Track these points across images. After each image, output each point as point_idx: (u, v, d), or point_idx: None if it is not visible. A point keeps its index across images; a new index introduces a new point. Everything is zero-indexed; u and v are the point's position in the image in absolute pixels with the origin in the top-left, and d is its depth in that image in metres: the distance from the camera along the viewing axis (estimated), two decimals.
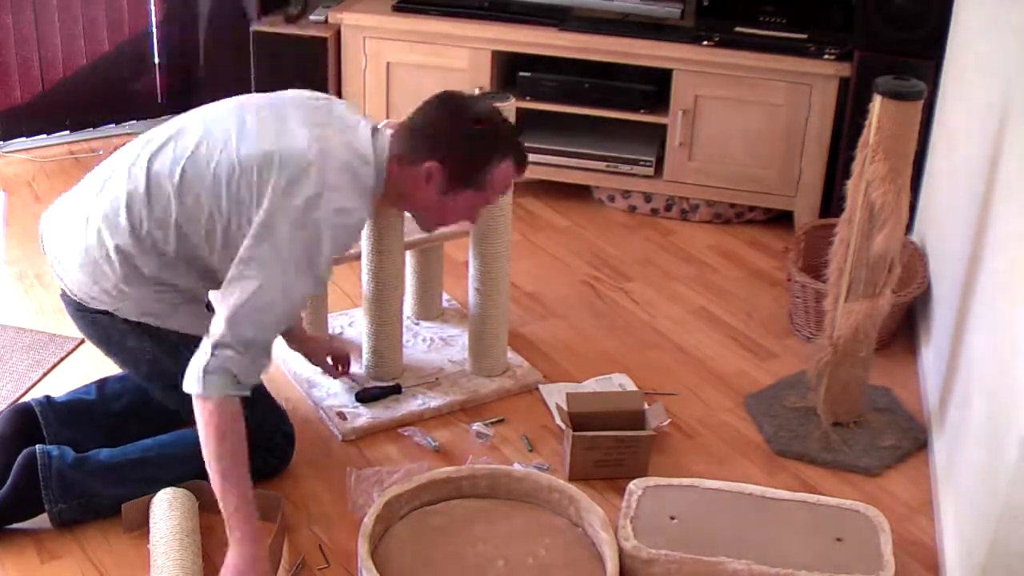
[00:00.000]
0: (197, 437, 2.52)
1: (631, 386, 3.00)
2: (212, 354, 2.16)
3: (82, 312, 2.43)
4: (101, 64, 4.30)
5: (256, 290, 2.19)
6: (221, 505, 2.21)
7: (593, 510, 2.36)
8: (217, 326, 2.18)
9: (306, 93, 2.50)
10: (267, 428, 2.57)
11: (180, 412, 2.54)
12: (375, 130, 2.44)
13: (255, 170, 2.27)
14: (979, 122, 2.81)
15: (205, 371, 2.15)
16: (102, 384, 2.67)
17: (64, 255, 2.42)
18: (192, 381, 2.18)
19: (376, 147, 2.39)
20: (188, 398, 2.28)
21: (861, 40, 3.57)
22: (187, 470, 2.46)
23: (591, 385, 2.99)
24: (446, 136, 2.41)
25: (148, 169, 2.34)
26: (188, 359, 2.22)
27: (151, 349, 2.43)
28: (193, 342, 2.25)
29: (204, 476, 2.47)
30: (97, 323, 2.43)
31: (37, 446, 2.41)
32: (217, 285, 2.31)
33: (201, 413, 2.19)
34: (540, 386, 2.97)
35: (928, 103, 3.35)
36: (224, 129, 2.35)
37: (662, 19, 3.89)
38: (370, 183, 2.36)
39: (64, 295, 2.46)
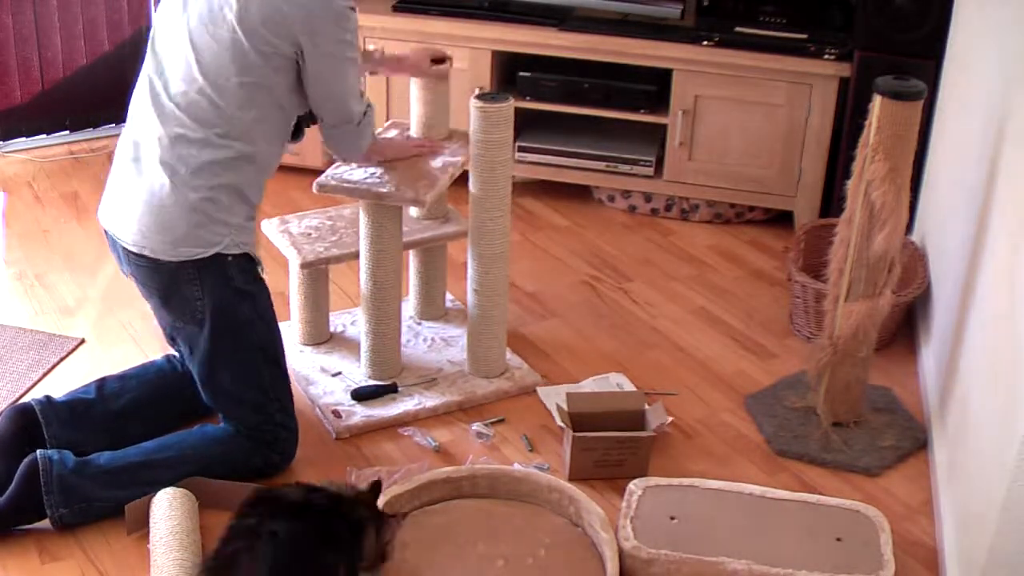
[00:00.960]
0: (196, 438, 2.56)
1: (628, 386, 3.00)
2: (363, 121, 2.66)
3: (157, 266, 2.47)
4: (101, 64, 4.30)
5: (342, 77, 2.55)
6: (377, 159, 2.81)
7: (593, 510, 2.37)
8: (348, 113, 2.61)
9: None
10: (272, 424, 2.57)
11: (201, 387, 2.58)
12: None
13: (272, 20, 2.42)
14: (979, 122, 2.81)
15: (370, 137, 2.74)
16: (101, 383, 2.67)
17: (134, 213, 2.45)
18: (352, 154, 2.76)
19: None
20: (228, 359, 2.48)
21: (861, 40, 3.57)
22: (187, 472, 2.47)
23: (588, 385, 2.99)
24: None
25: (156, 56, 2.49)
26: (241, 305, 2.50)
27: (215, 295, 2.48)
28: (253, 289, 2.53)
29: (203, 476, 2.49)
30: (168, 272, 2.47)
31: (38, 452, 2.42)
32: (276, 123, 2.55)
33: (366, 157, 2.78)
34: (538, 388, 2.97)
35: (928, 103, 3.35)
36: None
37: (662, 19, 3.89)
38: None
39: (138, 265, 2.49)
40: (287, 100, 2.52)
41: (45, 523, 2.42)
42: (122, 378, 2.70)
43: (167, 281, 2.48)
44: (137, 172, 2.48)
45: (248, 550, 2.06)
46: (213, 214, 2.45)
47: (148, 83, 2.50)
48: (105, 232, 2.56)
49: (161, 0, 2.55)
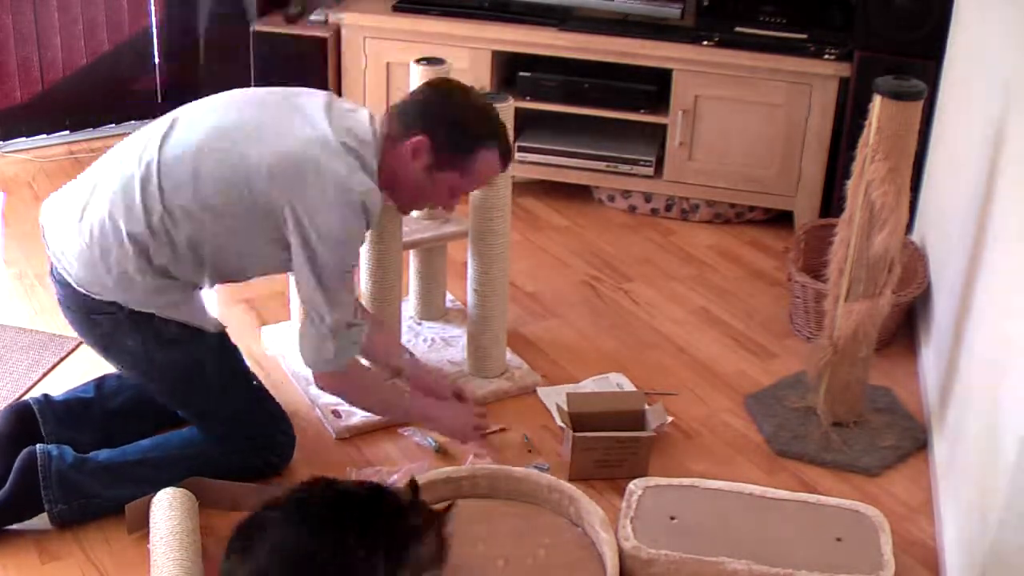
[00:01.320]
0: (195, 436, 2.55)
1: (628, 385, 2.99)
2: (336, 337, 2.37)
3: (84, 311, 2.42)
4: (101, 64, 4.30)
5: (332, 274, 2.33)
6: (400, 419, 2.69)
7: (593, 510, 2.36)
8: (321, 313, 2.35)
9: (306, 90, 2.52)
10: (270, 428, 2.57)
11: (178, 412, 2.55)
12: (371, 116, 2.46)
13: (278, 169, 2.30)
14: (979, 122, 2.81)
15: (336, 354, 2.39)
16: (100, 382, 2.67)
17: (71, 243, 2.39)
18: (324, 364, 2.42)
19: (374, 130, 2.42)
20: (188, 398, 2.37)
21: (861, 40, 3.57)
22: (186, 470, 2.47)
23: (588, 385, 2.99)
24: (436, 112, 2.41)
25: (160, 156, 2.35)
26: (182, 355, 2.36)
27: (151, 348, 2.42)
28: (190, 336, 2.36)
29: (202, 475, 2.49)
30: (97, 323, 2.43)
31: (37, 446, 2.41)
32: (221, 277, 2.43)
33: (340, 384, 2.49)
34: (538, 388, 2.97)
35: (928, 103, 3.35)
36: (237, 122, 2.37)
37: (662, 19, 3.89)
38: (374, 165, 2.39)
39: (65, 293, 2.43)
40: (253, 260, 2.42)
41: (45, 523, 2.42)
42: (120, 376, 2.70)
43: (99, 327, 2.43)
44: (82, 209, 2.40)
45: (282, 522, 2.00)
46: (136, 292, 2.37)
47: (145, 149, 2.39)
48: (43, 231, 2.49)
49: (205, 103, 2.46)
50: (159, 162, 2.35)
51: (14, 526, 2.42)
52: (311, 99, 2.44)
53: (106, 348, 2.48)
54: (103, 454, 2.48)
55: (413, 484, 2.19)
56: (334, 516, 2.02)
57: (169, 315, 2.40)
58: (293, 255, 2.35)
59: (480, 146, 2.42)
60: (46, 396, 2.60)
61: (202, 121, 2.40)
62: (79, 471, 2.41)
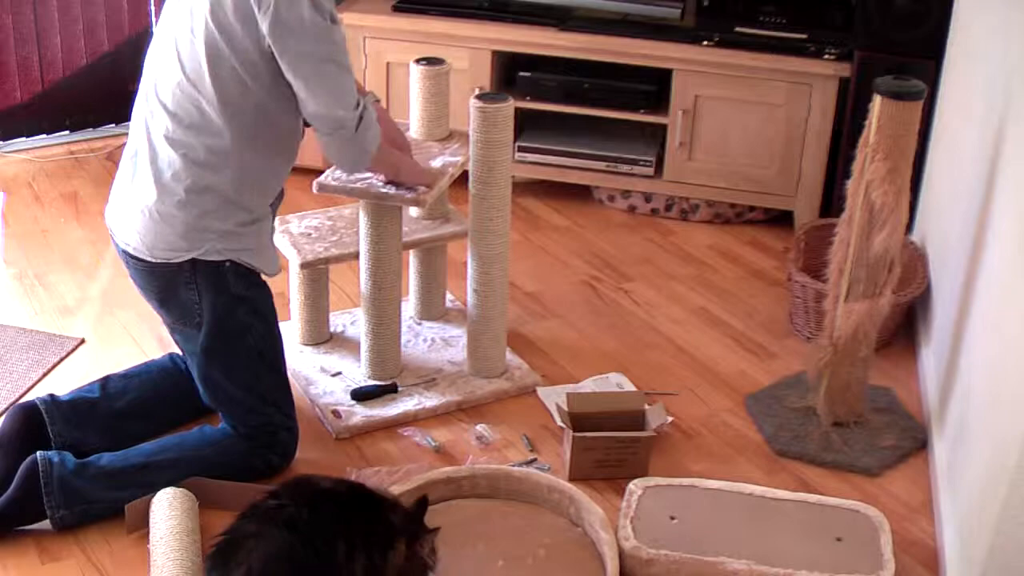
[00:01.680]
0: (195, 440, 2.57)
1: (628, 385, 3.00)
2: (359, 123, 2.46)
3: (155, 268, 2.46)
4: (101, 64, 4.30)
5: (330, 71, 2.39)
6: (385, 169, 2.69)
7: (593, 510, 2.37)
8: (337, 119, 2.43)
9: None
10: (271, 426, 2.57)
11: (200, 382, 2.59)
12: None
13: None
14: (979, 122, 2.81)
15: (370, 140, 2.51)
16: (105, 382, 2.68)
17: (134, 220, 2.45)
18: (356, 164, 2.57)
19: None
20: (218, 361, 2.48)
21: (861, 40, 3.57)
22: (186, 473, 2.47)
23: (588, 385, 2.99)
24: None
25: (159, 80, 2.45)
26: (240, 312, 2.49)
27: (206, 304, 2.47)
28: (253, 294, 2.51)
29: (204, 477, 2.49)
30: (166, 276, 2.46)
31: (38, 452, 2.42)
32: (280, 146, 2.52)
33: (376, 164, 2.60)
34: (538, 388, 2.97)
35: (928, 103, 3.35)
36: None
37: (662, 19, 3.88)
38: None
39: (138, 267, 2.48)
40: (268, 102, 2.43)
41: (45, 523, 2.42)
42: (125, 377, 2.71)
43: (163, 284, 2.49)
44: (132, 175, 2.49)
45: (257, 535, 2.01)
46: (196, 219, 2.43)
47: (145, 84, 2.51)
48: (111, 233, 2.57)
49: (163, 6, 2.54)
50: (158, 83, 2.45)
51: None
52: None
53: (164, 301, 2.52)
54: (104, 458, 2.48)
55: (423, 500, 2.19)
56: (312, 517, 2.02)
57: (211, 254, 2.44)
58: (290, 74, 2.38)
59: None
60: (52, 396, 2.60)
61: (163, 24, 2.48)
62: (80, 476, 2.42)
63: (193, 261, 2.44)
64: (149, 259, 2.45)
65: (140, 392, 2.67)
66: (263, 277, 2.57)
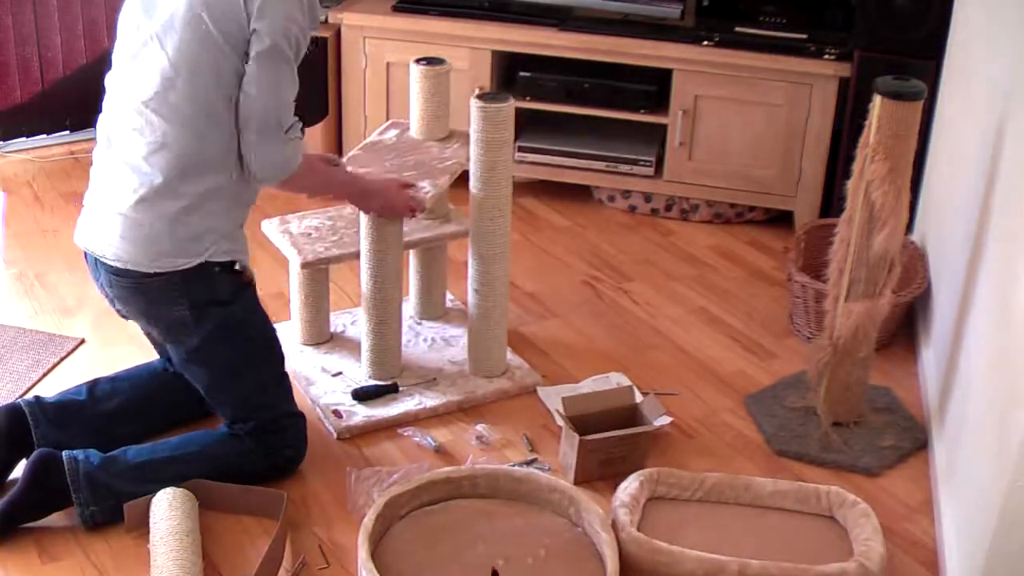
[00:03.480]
0: (218, 437, 2.54)
1: (628, 384, 2.99)
2: (287, 140, 2.43)
3: (138, 283, 2.43)
4: (101, 64, 4.28)
5: (278, 84, 2.39)
6: (335, 196, 2.80)
7: (593, 510, 2.36)
8: (278, 120, 2.40)
9: None
10: (277, 420, 2.57)
11: (200, 388, 2.58)
12: None
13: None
14: (979, 122, 2.81)
15: (295, 149, 2.46)
16: (93, 385, 2.66)
17: (111, 230, 2.42)
18: (279, 170, 2.45)
19: None
20: (225, 365, 2.47)
21: (861, 40, 3.57)
22: (213, 468, 2.48)
23: (588, 384, 2.99)
24: None
25: (126, 83, 2.41)
26: (230, 314, 2.47)
27: (200, 310, 2.45)
28: (237, 296, 2.49)
29: (233, 469, 2.50)
30: (151, 290, 2.43)
31: (64, 453, 2.42)
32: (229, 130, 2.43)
33: (295, 180, 2.51)
34: (538, 388, 2.97)
35: (928, 103, 3.35)
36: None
37: (662, 19, 3.89)
38: None
39: (114, 276, 2.44)
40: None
41: (45, 523, 2.42)
42: (114, 380, 2.69)
43: (150, 298, 2.45)
44: (112, 185, 2.44)
45: None
46: (195, 222, 2.41)
47: (114, 93, 2.46)
48: (84, 254, 2.52)
49: (122, 11, 2.47)
50: (125, 84, 2.41)
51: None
52: None
53: (151, 317, 2.50)
54: (131, 451, 2.48)
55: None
56: None
57: (218, 255, 2.42)
58: (251, 62, 2.35)
59: None
60: (37, 398, 2.59)
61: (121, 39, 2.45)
62: (108, 472, 2.42)
63: (183, 271, 2.41)
64: (142, 270, 2.41)
65: (128, 396, 2.66)
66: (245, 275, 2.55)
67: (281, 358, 2.63)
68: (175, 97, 2.36)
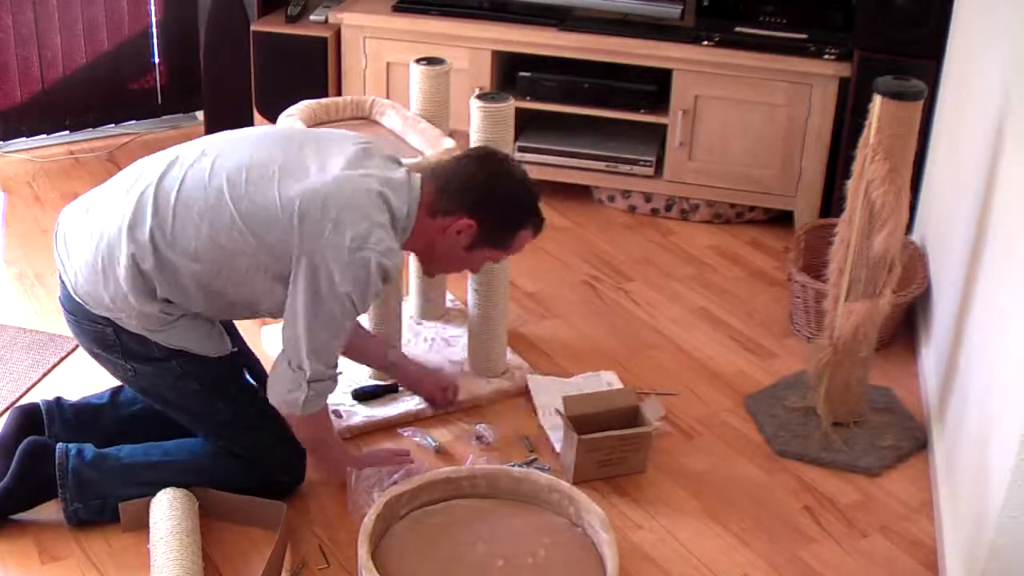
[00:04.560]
0: (215, 446, 2.50)
1: (619, 384, 2.99)
2: (310, 387, 2.31)
3: (80, 318, 2.37)
4: (101, 64, 4.30)
5: (330, 325, 2.27)
6: (324, 464, 2.57)
7: (593, 510, 2.37)
8: (300, 360, 2.28)
9: (347, 132, 2.48)
10: (258, 449, 2.50)
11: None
12: (409, 174, 2.39)
13: (296, 210, 2.21)
14: (979, 122, 2.81)
15: (304, 405, 2.33)
16: (117, 390, 2.62)
17: (78, 252, 2.33)
18: (288, 407, 2.34)
19: (410, 192, 2.35)
20: (178, 412, 2.40)
21: (861, 40, 3.57)
22: (206, 478, 2.44)
23: (578, 381, 2.98)
24: (485, 197, 2.38)
25: (181, 187, 2.26)
26: (166, 371, 2.35)
27: (137, 366, 2.39)
28: (181, 356, 2.35)
29: (222, 484, 2.46)
30: (89, 332, 2.38)
31: (58, 444, 2.40)
32: (220, 311, 2.36)
33: (297, 423, 2.40)
34: (528, 377, 2.96)
35: (928, 103, 3.35)
36: (264, 160, 2.28)
37: (662, 19, 3.89)
38: (406, 227, 2.35)
39: (65, 297, 2.39)
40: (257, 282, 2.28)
41: (45, 522, 2.42)
42: None
43: (87, 335, 2.39)
44: (101, 224, 2.32)
45: None
46: (131, 315, 2.31)
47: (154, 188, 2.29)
48: (56, 232, 2.43)
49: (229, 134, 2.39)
50: (178, 192, 2.26)
51: (16, 523, 2.42)
52: (346, 142, 2.36)
53: (96, 355, 2.44)
54: (124, 451, 2.45)
55: None
56: None
57: (161, 340, 2.34)
58: (293, 295, 2.25)
59: (522, 228, 2.45)
60: (57, 399, 2.58)
61: (230, 155, 2.30)
62: (98, 469, 2.40)
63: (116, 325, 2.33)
64: (87, 308, 2.33)
65: (149, 405, 2.62)
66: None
67: (248, 391, 2.50)
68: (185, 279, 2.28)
